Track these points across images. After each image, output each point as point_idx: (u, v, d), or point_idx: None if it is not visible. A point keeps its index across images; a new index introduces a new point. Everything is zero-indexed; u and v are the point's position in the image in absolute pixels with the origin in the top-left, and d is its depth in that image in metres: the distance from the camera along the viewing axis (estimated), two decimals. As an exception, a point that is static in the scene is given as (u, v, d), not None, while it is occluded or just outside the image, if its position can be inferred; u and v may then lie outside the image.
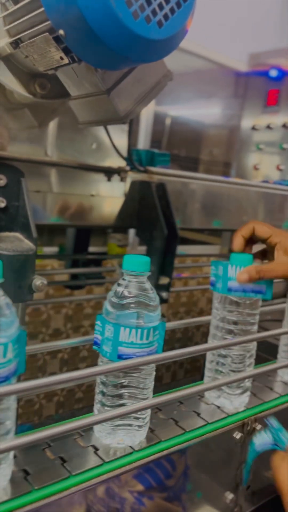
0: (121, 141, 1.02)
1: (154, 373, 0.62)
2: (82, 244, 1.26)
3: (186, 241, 2.47)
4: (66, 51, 0.57)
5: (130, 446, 0.60)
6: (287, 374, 0.88)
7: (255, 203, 1.38)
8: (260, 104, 2.15)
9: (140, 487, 0.61)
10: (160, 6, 0.51)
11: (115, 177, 1.03)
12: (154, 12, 0.51)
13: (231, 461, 0.71)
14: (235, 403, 0.74)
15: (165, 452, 0.61)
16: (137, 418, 0.61)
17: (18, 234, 0.74)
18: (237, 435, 0.70)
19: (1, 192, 0.72)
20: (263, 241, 0.76)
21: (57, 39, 0.56)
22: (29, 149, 0.88)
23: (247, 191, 1.35)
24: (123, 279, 0.60)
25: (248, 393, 0.76)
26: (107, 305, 0.59)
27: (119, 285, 0.60)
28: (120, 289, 0.59)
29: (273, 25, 2.52)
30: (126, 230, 1.75)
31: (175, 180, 1.14)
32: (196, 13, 0.57)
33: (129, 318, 0.57)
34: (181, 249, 1.05)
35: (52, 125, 0.91)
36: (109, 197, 1.03)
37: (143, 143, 2.32)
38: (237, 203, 1.32)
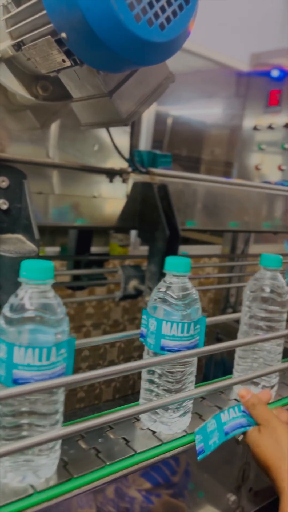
0: (123, 142, 1.02)
1: (63, 396, 0.53)
2: (84, 245, 1.26)
3: (187, 241, 2.46)
4: (68, 53, 0.57)
5: (32, 486, 0.49)
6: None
7: (257, 204, 1.38)
8: (261, 104, 2.14)
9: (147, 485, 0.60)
10: (162, 9, 0.51)
11: (117, 179, 1.03)
12: (156, 15, 0.51)
13: (233, 462, 0.71)
14: (174, 428, 0.63)
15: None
16: (42, 451, 0.50)
17: (20, 236, 0.74)
18: (239, 437, 0.69)
19: (3, 194, 0.72)
20: None
21: (59, 42, 0.56)
22: (31, 151, 0.88)
23: (249, 192, 1.35)
24: (21, 289, 0.49)
25: (189, 414, 0.65)
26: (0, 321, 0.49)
27: (16, 296, 0.49)
28: (16, 301, 0.48)
29: (275, 25, 2.52)
30: (128, 230, 1.75)
31: (177, 181, 1.14)
32: (198, 13, 0.57)
33: (25, 335, 0.47)
34: (182, 249, 1.05)
35: (54, 127, 0.91)
36: (111, 199, 1.03)
37: (144, 143, 2.32)
38: (239, 204, 1.32)
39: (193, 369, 0.64)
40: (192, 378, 0.64)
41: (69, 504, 0.51)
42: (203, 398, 0.73)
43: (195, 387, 0.64)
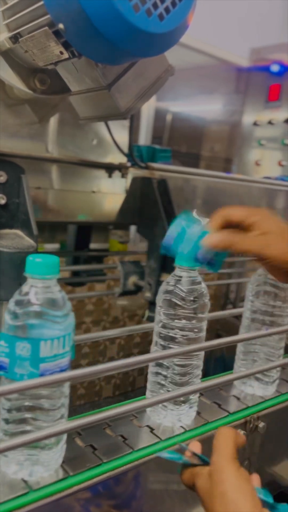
0: (122, 137, 1.01)
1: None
2: (83, 241, 1.25)
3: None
4: (66, 45, 0.56)
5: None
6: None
7: (257, 199, 1.37)
8: (261, 100, 2.14)
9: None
10: (161, -1, 0.51)
11: (116, 174, 1.03)
12: (155, 5, 0.50)
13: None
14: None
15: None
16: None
17: (18, 231, 0.73)
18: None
19: (1, 189, 0.71)
20: (241, 226, 0.61)
21: (57, 33, 0.55)
22: (29, 145, 0.88)
23: (249, 187, 1.34)
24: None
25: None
26: None
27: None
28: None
29: (274, 19, 2.50)
30: (127, 226, 1.74)
31: (176, 176, 1.13)
32: (197, 8, 0.56)
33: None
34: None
35: (53, 121, 0.90)
36: (110, 194, 1.03)
37: (144, 139, 2.31)
38: (239, 199, 1.31)
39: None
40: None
41: (68, 502, 0.50)
42: (201, 394, 0.73)
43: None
